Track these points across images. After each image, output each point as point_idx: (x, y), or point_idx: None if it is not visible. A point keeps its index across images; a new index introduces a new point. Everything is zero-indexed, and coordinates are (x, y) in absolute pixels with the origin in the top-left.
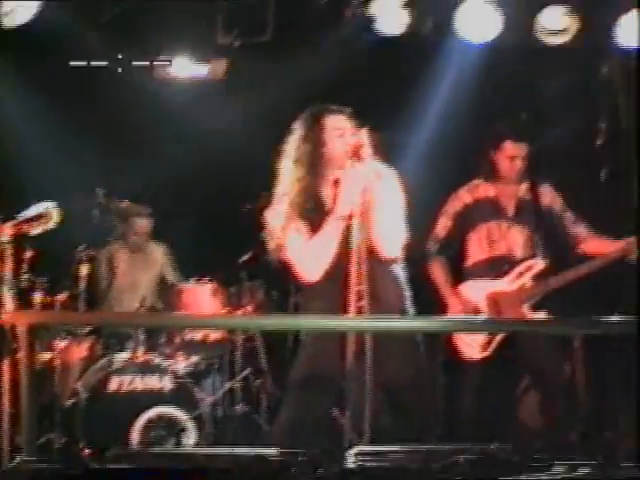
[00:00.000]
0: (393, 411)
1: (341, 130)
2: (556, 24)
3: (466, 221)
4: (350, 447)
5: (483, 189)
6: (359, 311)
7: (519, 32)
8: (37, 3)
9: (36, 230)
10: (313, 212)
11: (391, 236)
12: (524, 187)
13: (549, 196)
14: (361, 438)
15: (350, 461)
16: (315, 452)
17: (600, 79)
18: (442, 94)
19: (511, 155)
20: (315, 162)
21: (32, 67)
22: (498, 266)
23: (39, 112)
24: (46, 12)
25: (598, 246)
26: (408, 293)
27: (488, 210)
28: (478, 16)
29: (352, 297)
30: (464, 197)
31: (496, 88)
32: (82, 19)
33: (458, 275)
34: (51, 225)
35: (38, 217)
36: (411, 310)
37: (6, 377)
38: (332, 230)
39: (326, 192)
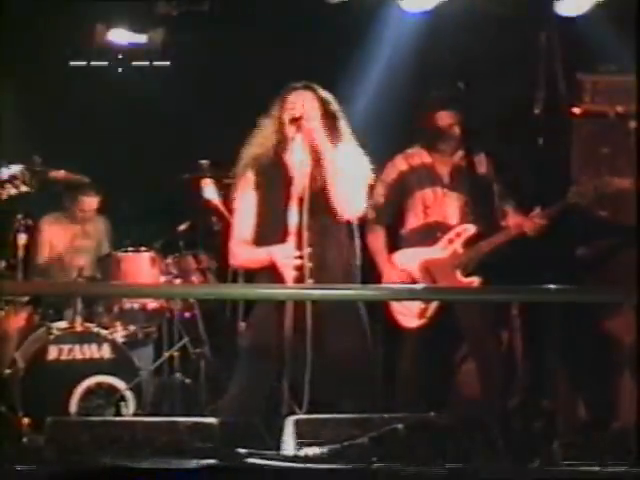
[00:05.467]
0: (335, 379)
1: (293, 104)
2: None
3: (402, 189)
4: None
5: (419, 157)
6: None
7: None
8: None
9: (9, 192)
10: (259, 176)
11: (348, 198)
12: (460, 154)
13: (484, 165)
14: (301, 407)
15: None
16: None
17: (539, 48)
18: (381, 61)
19: (444, 123)
20: (275, 140)
21: None
22: (432, 233)
23: None
24: None
25: (518, 222)
26: (358, 261)
27: (424, 177)
28: None
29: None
30: (400, 164)
31: (435, 56)
32: None
33: (395, 243)
34: (23, 188)
35: (11, 179)
36: (358, 277)
37: None
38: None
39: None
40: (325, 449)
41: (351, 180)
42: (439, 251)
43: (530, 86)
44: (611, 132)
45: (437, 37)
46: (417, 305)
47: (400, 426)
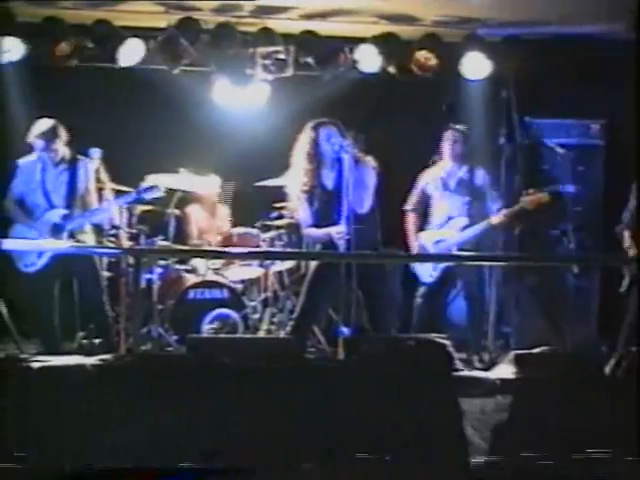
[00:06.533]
0: (369, 311)
1: (329, 135)
2: (476, 65)
3: (427, 192)
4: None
5: (437, 171)
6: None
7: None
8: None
9: (149, 198)
10: (314, 188)
11: (360, 199)
12: (464, 169)
13: (481, 177)
14: (348, 328)
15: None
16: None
17: (501, 100)
18: (414, 109)
19: (451, 139)
20: (312, 156)
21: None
22: (443, 222)
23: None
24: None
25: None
26: (380, 237)
27: (440, 184)
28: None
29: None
30: (426, 177)
31: (446, 104)
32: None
33: (420, 226)
34: (160, 194)
35: (151, 188)
36: (380, 247)
37: (123, 291)
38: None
39: (324, 173)
40: (364, 357)
41: (358, 187)
42: (446, 233)
43: (497, 126)
44: (547, 155)
45: (441, 94)
46: (430, 265)
47: (412, 342)
